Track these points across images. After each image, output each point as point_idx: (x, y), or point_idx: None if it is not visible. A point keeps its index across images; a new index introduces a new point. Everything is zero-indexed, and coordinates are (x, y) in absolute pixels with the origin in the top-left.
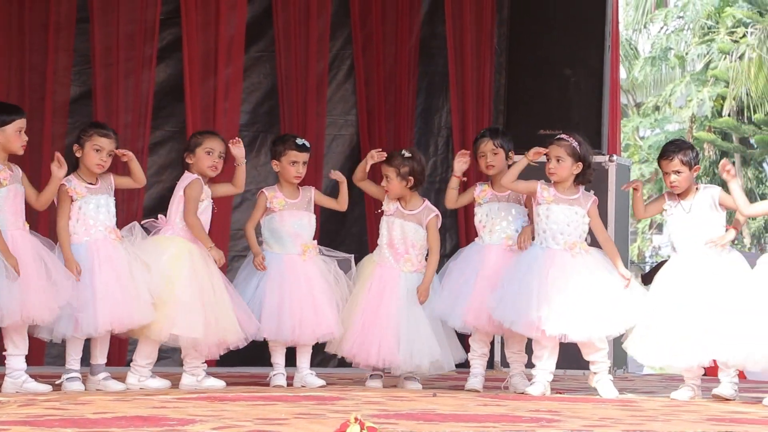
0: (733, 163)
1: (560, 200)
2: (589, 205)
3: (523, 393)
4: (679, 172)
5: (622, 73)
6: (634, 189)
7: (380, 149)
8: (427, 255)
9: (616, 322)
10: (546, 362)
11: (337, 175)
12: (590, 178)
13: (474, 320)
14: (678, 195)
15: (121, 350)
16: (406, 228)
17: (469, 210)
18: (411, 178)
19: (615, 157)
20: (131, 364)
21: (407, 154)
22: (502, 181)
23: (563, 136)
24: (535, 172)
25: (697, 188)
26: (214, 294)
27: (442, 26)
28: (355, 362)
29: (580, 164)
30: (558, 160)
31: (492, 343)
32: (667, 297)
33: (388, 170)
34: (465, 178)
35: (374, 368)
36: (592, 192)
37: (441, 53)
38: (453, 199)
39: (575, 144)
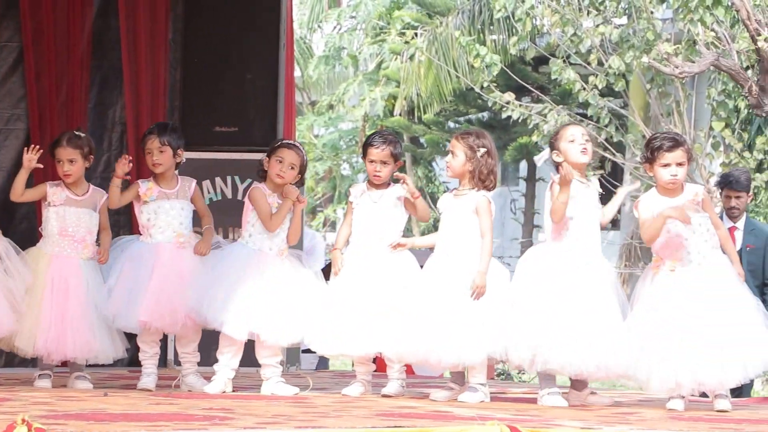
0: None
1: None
2: None
3: (201, 392)
4: (385, 163)
5: (297, 72)
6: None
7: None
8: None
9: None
10: (230, 360)
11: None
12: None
13: (154, 320)
14: (376, 186)
15: None
16: (81, 215)
17: None
18: (92, 157)
19: None
20: None
21: (82, 134)
22: None
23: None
24: None
25: (389, 184)
26: None
27: (115, 19)
28: (50, 359)
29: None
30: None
31: (165, 341)
32: (343, 288)
33: (73, 154)
34: (129, 177)
35: (43, 364)
36: None
37: (115, 47)
38: (116, 198)
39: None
